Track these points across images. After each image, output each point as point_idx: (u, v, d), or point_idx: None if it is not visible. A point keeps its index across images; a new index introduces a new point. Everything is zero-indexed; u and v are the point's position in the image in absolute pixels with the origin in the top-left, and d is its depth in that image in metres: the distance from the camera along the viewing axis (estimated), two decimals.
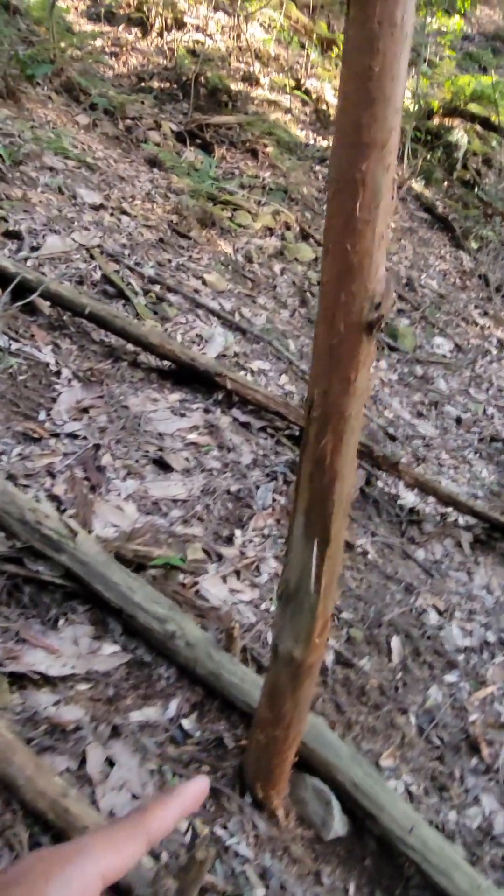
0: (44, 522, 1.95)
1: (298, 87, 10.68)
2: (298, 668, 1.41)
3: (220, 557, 2.36)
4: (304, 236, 7.31)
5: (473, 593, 2.95)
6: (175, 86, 8.88)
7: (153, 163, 6.85)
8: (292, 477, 2.91)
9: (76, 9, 8.78)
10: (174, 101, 8.84)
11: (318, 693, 2.06)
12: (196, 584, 2.20)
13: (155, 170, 6.84)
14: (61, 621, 1.89)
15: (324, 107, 10.94)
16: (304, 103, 10.61)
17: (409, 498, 3.42)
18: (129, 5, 9.01)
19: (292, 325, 5.20)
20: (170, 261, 4.66)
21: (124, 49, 8.95)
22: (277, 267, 6.38)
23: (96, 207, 4.86)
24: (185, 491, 2.55)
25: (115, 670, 1.82)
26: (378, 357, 5.38)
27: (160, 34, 9.20)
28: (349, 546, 2.81)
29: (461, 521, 3.39)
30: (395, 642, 2.42)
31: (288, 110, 10.34)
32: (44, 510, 2.01)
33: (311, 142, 9.83)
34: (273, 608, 2.24)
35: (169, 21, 9.28)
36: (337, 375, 1.14)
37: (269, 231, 6.97)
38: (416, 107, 9.02)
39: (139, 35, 9.24)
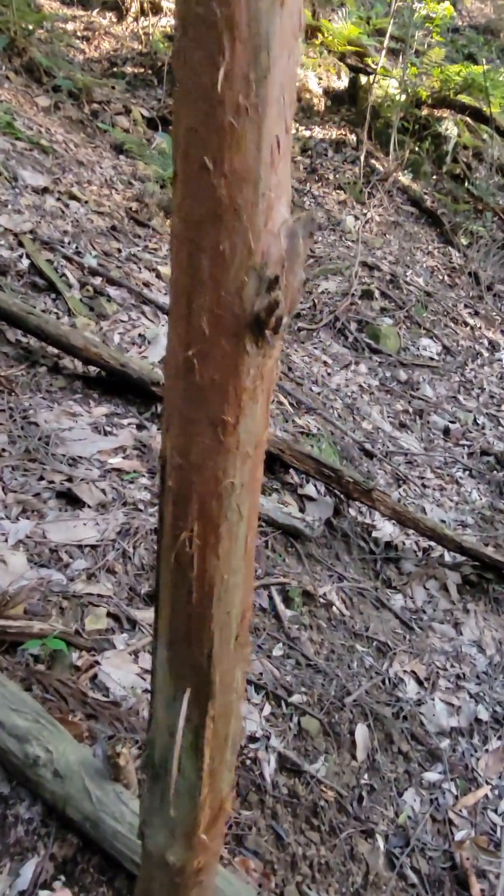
0: None
1: None
2: (178, 876, 0.88)
3: (133, 624, 1.82)
4: None
5: (462, 652, 2.42)
6: (150, 71, 8.42)
7: (119, 149, 6.34)
8: None
9: None
10: (148, 87, 8.37)
11: (252, 821, 1.52)
12: (95, 665, 1.66)
13: (121, 157, 6.33)
14: None
15: (307, 96, 10.46)
16: None
17: (387, 529, 2.90)
18: None
19: None
20: (119, 251, 4.11)
21: (97, 33, 8.48)
22: None
23: (39, 191, 4.30)
24: (96, 533, 2.00)
25: None
26: (357, 360, 4.86)
27: (136, 19, 8.73)
28: (309, 597, 2.27)
29: (447, 556, 2.86)
30: (361, 732, 1.88)
31: None
32: None
33: (293, 130, 9.34)
34: None
35: (145, 5, 8.80)
36: (202, 416, 0.60)
37: None
38: (404, 96, 8.53)
39: (114, 20, 8.76)
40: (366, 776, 1.81)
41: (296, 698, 1.85)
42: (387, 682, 2.14)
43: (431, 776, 1.92)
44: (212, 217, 0.54)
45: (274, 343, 0.59)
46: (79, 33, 8.40)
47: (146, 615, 1.86)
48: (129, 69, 8.38)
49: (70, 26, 8.09)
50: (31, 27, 6.35)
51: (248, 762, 1.62)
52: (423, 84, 9.27)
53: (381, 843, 1.68)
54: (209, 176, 0.53)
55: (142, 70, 8.44)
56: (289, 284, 0.56)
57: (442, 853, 1.73)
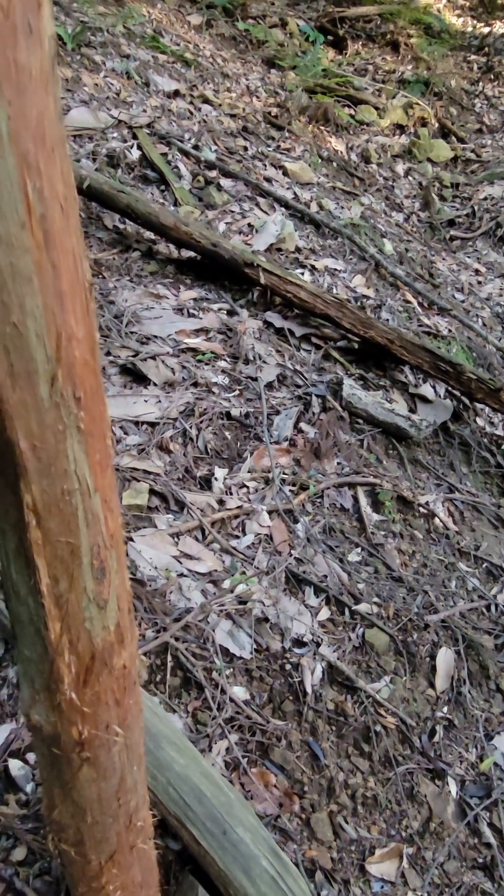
0: None
1: None
2: (54, 746, 0.66)
3: (181, 507, 1.62)
4: (444, 133, 6.06)
5: None
6: None
7: (271, 64, 6.03)
8: (332, 402, 2.06)
9: None
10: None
11: (282, 731, 1.28)
12: (128, 542, 1.49)
13: (272, 71, 6.01)
14: None
15: None
16: None
17: None
18: None
19: (403, 228, 4.16)
20: (246, 149, 3.83)
21: None
22: (401, 167, 5.27)
23: (171, 94, 4.13)
24: (157, 410, 1.81)
25: None
26: None
27: None
28: (406, 504, 1.93)
29: None
30: (445, 657, 1.54)
31: None
32: None
33: (469, 28, 8.31)
34: (245, 587, 1.46)
35: None
36: None
37: (399, 128, 5.85)
38: None
39: None
40: (445, 709, 1.48)
41: (363, 607, 1.55)
42: (493, 608, 1.75)
43: None
44: None
45: None
46: None
47: (198, 499, 1.65)
48: None
49: None
50: None
51: (289, 667, 1.36)
52: None
53: (452, 788, 1.35)
54: None
55: None
56: None
57: None
